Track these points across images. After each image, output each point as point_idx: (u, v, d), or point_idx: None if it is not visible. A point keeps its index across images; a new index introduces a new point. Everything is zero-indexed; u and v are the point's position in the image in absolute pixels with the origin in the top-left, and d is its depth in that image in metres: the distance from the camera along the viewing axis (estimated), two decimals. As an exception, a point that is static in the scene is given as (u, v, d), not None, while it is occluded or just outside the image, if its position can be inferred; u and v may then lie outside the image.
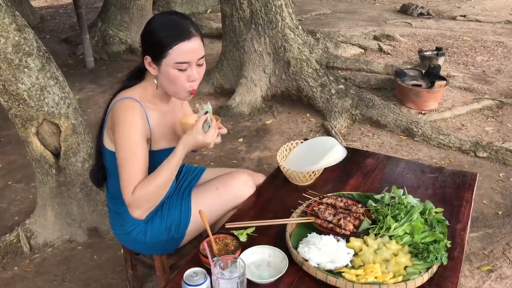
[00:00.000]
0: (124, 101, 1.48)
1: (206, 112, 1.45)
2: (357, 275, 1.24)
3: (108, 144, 1.57)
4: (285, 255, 1.32)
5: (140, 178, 1.46)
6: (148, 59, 1.46)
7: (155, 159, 1.55)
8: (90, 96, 4.73)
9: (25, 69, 2.08)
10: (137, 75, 1.57)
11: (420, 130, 3.47)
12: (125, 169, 1.45)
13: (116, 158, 1.48)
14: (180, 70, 1.43)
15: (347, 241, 1.37)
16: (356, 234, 1.41)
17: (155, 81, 1.50)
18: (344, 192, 1.64)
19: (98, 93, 4.75)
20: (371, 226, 1.43)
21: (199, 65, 1.47)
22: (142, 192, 1.45)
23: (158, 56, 1.43)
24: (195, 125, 1.44)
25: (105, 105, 1.60)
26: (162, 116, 1.58)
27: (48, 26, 7.79)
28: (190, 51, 1.43)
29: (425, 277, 1.23)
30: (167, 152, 1.58)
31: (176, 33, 1.41)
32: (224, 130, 1.56)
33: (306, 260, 1.29)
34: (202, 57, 1.47)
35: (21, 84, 2.08)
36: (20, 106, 2.14)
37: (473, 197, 1.66)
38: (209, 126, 1.46)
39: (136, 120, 1.46)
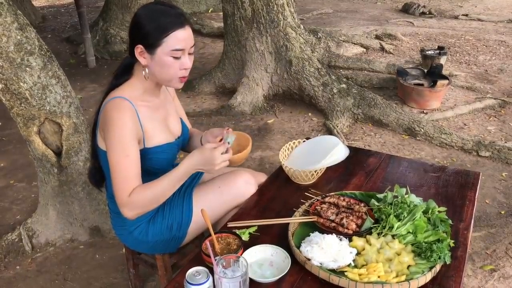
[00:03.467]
0: (115, 100, 1.47)
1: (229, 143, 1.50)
2: (359, 274, 1.23)
3: (102, 145, 1.56)
4: (288, 254, 1.31)
5: (135, 180, 1.45)
6: (139, 49, 1.46)
7: (152, 155, 1.55)
8: (91, 95, 4.73)
9: (27, 68, 2.08)
10: (124, 72, 1.56)
11: (422, 129, 3.46)
12: (119, 170, 1.44)
13: (108, 159, 1.47)
14: (175, 58, 1.44)
15: (350, 240, 1.36)
16: (359, 233, 1.40)
17: (144, 72, 1.49)
18: (346, 191, 1.64)
19: (100, 93, 4.73)
20: (374, 225, 1.42)
21: (190, 53, 1.49)
22: (140, 196, 1.44)
23: (153, 44, 1.43)
24: (207, 144, 1.46)
25: (97, 106, 1.58)
26: (154, 111, 1.58)
27: (50, 26, 7.80)
28: (185, 39, 1.45)
29: (428, 276, 1.22)
30: (163, 148, 1.57)
31: (171, 21, 1.42)
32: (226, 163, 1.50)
33: (309, 259, 1.29)
34: (193, 46, 1.49)
35: (23, 83, 2.08)
36: (22, 105, 2.13)
37: (476, 197, 1.66)
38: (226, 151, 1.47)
39: (127, 121, 1.45)
